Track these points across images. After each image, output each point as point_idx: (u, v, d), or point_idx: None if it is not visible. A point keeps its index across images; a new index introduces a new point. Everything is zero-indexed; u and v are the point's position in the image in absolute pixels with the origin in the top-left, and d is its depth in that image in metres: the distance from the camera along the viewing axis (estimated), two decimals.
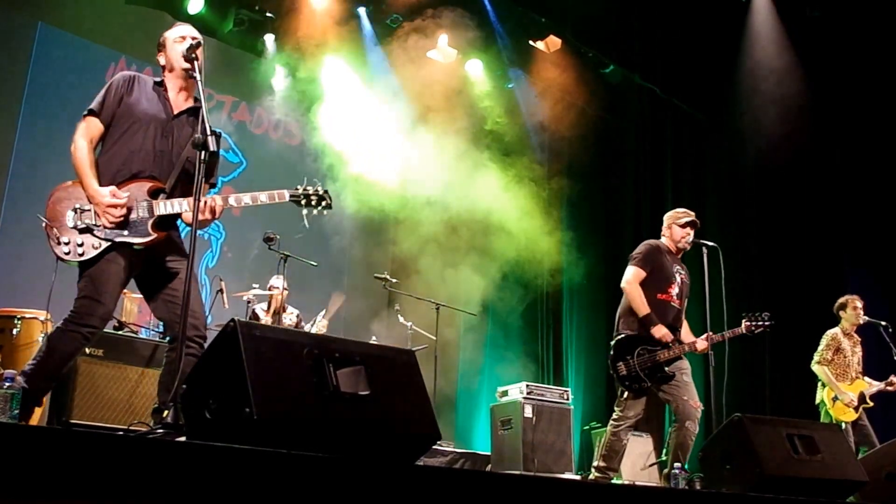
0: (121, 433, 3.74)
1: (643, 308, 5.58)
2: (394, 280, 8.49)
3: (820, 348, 7.55)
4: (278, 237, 7.58)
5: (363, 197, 9.75)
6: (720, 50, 9.87)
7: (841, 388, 7.35)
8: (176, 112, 4.00)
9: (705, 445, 4.55)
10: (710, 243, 5.97)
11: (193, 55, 3.87)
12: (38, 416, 5.04)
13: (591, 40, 10.44)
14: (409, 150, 9.83)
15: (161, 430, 3.24)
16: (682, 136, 11.05)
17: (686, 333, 5.90)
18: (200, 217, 3.64)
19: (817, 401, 7.58)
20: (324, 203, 4.17)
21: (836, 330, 7.60)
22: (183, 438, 3.04)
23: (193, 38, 4.00)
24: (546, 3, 10.14)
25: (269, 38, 9.80)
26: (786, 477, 4.03)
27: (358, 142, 9.85)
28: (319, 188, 4.17)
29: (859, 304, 7.54)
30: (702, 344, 5.69)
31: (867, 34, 8.75)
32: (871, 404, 7.31)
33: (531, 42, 10.63)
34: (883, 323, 7.26)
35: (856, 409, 7.26)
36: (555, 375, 11.06)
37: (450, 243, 9.86)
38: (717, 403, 5.53)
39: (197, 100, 4.08)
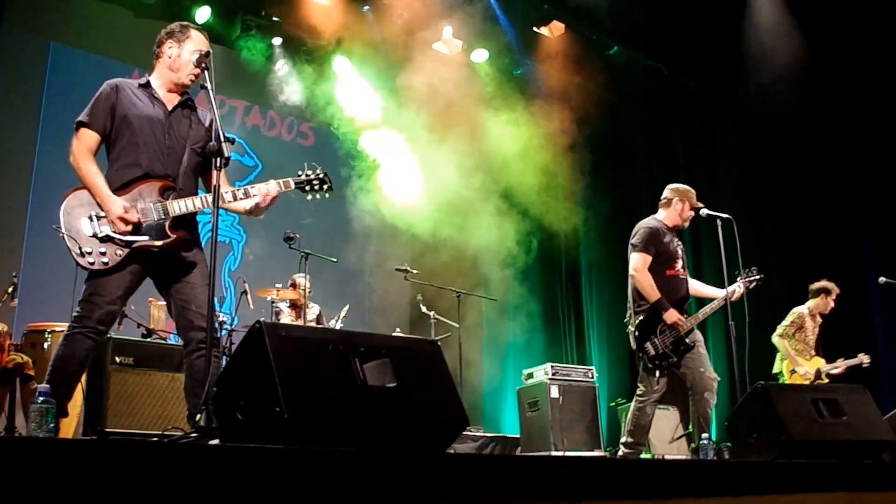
0: (155, 440, 3.80)
1: (653, 294, 5.63)
2: (414, 271, 8.53)
3: (785, 323, 7.78)
4: (298, 236, 7.68)
5: (380, 191, 9.81)
6: (722, 22, 9.80)
7: (799, 361, 7.62)
8: (170, 108, 4.05)
9: (731, 415, 4.57)
10: (725, 215, 5.98)
11: (204, 64, 3.89)
12: (73, 427, 5.14)
13: (593, 23, 10.41)
14: (422, 142, 9.87)
15: (194, 434, 3.30)
16: (690, 110, 11.01)
17: (710, 288, 6.08)
18: (250, 207, 4.06)
19: (775, 370, 7.85)
20: (325, 186, 4.27)
21: (804, 309, 7.80)
22: (216, 441, 3.08)
23: (205, 53, 3.98)
24: None
25: (276, 41, 9.83)
26: (812, 441, 4.04)
27: (370, 138, 9.91)
28: (320, 172, 4.27)
29: (835, 295, 7.73)
30: (738, 291, 5.85)
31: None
32: (826, 381, 7.52)
33: (535, 28, 10.62)
34: None
35: (811, 382, 7.47)
36: (578, 354, 11.09)
37: (467, 228, 9.90)
38: (741, 373, 5.55)
39: (186, 92, 4.15)
